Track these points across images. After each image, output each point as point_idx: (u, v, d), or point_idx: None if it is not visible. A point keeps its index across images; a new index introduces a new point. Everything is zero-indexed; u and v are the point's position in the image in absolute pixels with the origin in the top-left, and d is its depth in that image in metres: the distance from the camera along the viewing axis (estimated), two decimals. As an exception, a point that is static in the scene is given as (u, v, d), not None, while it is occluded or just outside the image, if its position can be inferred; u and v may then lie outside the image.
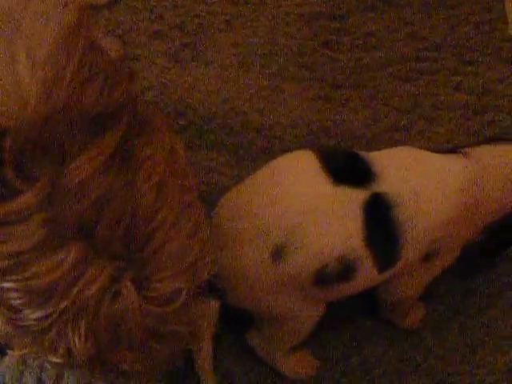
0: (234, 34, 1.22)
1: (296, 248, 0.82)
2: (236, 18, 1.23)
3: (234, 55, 1.20)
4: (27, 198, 0.63)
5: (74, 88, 0.65)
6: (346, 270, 0.84)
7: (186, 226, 0.71)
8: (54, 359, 0.72)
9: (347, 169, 0.86)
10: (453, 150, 0.92)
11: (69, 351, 0.70)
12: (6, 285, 0.66)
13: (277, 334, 0.92)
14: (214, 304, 0.87)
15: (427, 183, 0.86)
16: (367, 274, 0.85)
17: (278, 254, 0.82)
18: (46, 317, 0.67)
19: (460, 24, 1.25)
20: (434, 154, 0.90)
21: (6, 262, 0.65)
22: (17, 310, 0.68)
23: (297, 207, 0.82)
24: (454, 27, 1.25)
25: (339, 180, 0.83)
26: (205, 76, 1.18)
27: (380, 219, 0.84)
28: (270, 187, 0.84)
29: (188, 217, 0.72)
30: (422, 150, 0.90)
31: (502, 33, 1.25)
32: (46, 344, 0.70)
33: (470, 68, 1.22)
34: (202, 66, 1.19)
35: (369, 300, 0.99)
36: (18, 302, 0.67)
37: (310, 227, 0.81)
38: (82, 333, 0.68)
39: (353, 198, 0.83)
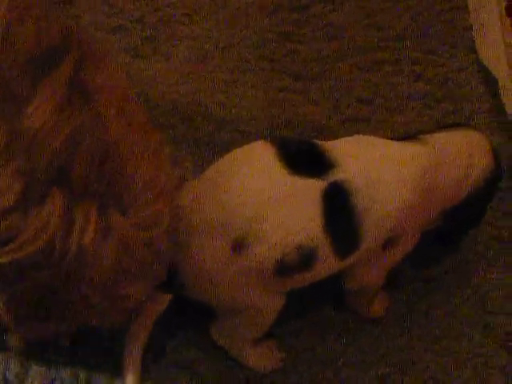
0: (195, 27, 1.21)
1: (255, 239, 0.82)
2: (196, 11, 1.22)
3: (195, 48, 1.19)
4: None
5: (7, 26, 0.63)
6: (305, 259, 0.84)
7: (152, 158, 0.71)
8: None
9: (304, 158, 0.86)
10: (409, 137, 0.93)
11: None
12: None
13: (238, 326, 0.92)
14: (166, 296, 0.87)
15: (384, 170, 0.86)
16: (327, 263, 0.86)
17: (238, 246, 0.82)
18: (52, 276, 0.66)
19: (421, 13, 1.26)
20: (391, 141, 0.90)
21: None
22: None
23: (255, 199, 0.82)
24: (415, 16, 1.25)
25: (296, 170, 0.83)
26: (165, 70, 1.17)
27: (338, 208, 0.84)
28: (228, 180, 0.84)
29: (151, 148, 0.72)
30: (379, 138, 0.91)
31: (463, 22, 1.25)
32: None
33: (431, 57, 1.22)
34: (163, 60, 1.18)
35: (333, 290, 0.99)
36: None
37: (268, 218, 0.81)
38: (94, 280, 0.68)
39: (311, 187, 0.83)
